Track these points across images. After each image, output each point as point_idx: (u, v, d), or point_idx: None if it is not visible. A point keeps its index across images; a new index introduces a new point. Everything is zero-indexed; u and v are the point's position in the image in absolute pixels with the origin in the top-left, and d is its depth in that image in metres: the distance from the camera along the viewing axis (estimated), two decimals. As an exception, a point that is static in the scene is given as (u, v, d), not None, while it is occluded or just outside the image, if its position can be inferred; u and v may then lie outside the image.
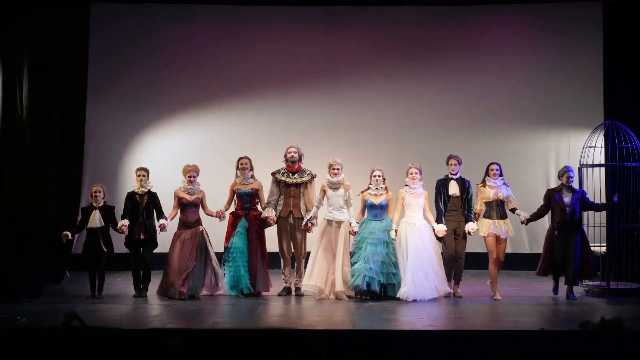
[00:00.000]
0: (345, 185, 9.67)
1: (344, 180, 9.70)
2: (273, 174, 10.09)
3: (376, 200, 9.61)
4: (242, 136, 12.65)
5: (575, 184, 9.88)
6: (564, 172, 9.79)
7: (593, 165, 10.25)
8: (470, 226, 9.69)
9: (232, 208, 10.00)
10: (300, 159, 10.06)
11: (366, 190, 9.73)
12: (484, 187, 9.76)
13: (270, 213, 9.87)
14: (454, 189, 9.92)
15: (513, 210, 9.80)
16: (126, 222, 9.56)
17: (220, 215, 9.82)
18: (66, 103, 11.85)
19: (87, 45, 12.42)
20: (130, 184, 12.38)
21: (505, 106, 12.75)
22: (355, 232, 9.52)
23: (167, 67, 12.71)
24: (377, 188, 9.66)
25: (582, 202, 9.70)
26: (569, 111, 12.59)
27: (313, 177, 10.05)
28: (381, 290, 9.43)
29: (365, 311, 8.72)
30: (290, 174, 9.97)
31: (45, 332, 3.69)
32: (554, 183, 12.36)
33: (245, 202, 9.89)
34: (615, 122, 10.39)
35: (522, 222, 9.85)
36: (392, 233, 9.45)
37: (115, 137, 12.56)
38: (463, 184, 9.93)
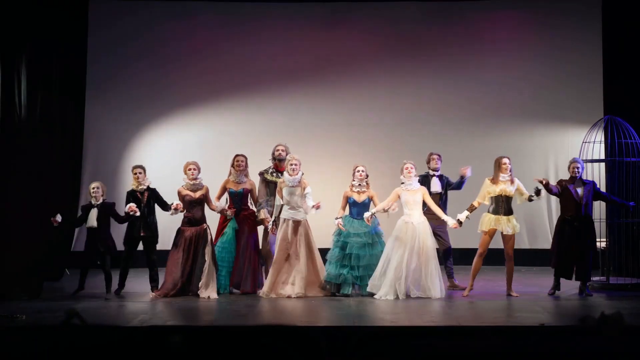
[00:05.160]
0: (303, 183, 9.47)
1: (303, 179, 9.49)
2: (261, 173, 10.00)
3: (359, 198, 9.48)
4: (242, 133, 12.64)
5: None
6: (570, 162, 9.61)
7: (592, 161, 10.24)
8: (460, 216, 9.39)
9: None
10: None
11: (350, 187, 9.57)
12: (493, 181, 9.45)
13: (265, 215, 9.79)
14: (435, 186, 9.96)
15: (530, 198, 9.47)
16: (133, 204, 9.46)
17: (226, 211, 9.67)
18: (65, 101, 11.84)
19: (86, 42, 12.42)
20: (129, 182, 12.39)
21: (504, 102, 12.75)
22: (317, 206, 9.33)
23: (167, 64, 12.70)
24: (359, 185, 9.51)
25: (594, 193, 9.52)
26: (568, 106, 12.58)
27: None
28: (353, 290, 9.38)
29: (366, 308, 8.72)
30: (280, 174, 9.84)
31: (46, 330, 3.69)
32: (553, 178, 12.38)
33: (236, 202, 9.78)
34: (614, 117, 10.38)
35: (541, 184, 9.44)
36: (367, 214, 9.28)
37: (114, 134, 12.56)
38: (442, 180, 10.02)
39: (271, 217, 9.74)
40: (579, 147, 10.44)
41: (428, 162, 10.14)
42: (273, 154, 10.00)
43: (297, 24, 12.89)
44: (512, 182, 9.44)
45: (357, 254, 9.33)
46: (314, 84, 12.81)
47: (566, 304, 9.04)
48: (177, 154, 12.42)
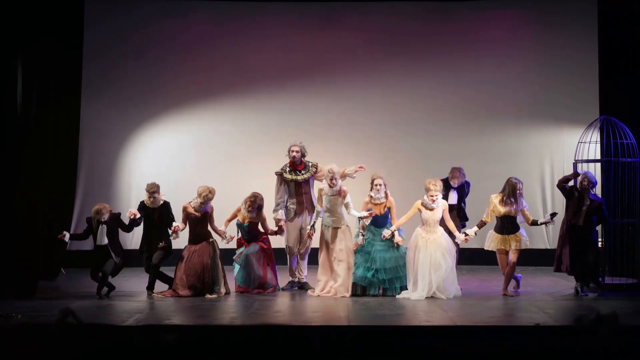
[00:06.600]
0: (343, 192, 9.52)
1: (342, 187, 9.55)
2: (279, 173, 10.00)
3: (379, 210, 9.48)
4: (237, 132, 12.63)
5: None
6: (581, 175, 9.61)
7: (588, 161, 10.25)
8: (469, 231, 9.56)
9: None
10: (303, 157, 10.00)
11: (369, 199, 9.56)
12: (500, 202, 9.48)
13: (281, 216, 9.82)
14: (452, 199, 10.02)
15: (535, 222, 9.67)
16: (134, 210, 9.50)
17: (223, 236, 9.68)
18: (61, 100, 11.81)
19: (82, 40, 12.39)
20: (125, 180, 12.43)
21: (500, 101, 12.73)
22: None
23: (162, 64, 12.67)
24: (378, 197, 9.50)
25: (597, 212, 9.51)
26: (563, 106, 12.57)
27: (316, 167, 9.96)
28: (380, 291, 9.43)
29: (361, 307, 8.73)
30: (297, 172, 9.89)
31: (41, 329, 3.68)
32: (548, 179, 12.41)
33: (242, 233, 9.80)
34: (610, 117, 10.39)
35: (551, 217, 9.64)
36: (387, 232, 9.36)
37: (110, 133, 12.53)
38: (462, 191, 10.06)
39: (311, 220, 9.76)
40: (574, 147, 10.45)
41: (451, 179, 10.12)
42: (288, 153, 10.00)
43: (291, 23, 12.86)
44: (517, 203, 9.49)
45: (382, 257, 9.39)
46: (308, 83, 12.79)
47: (562, 304, 9.05)
48: (172, 153, 12.43)
